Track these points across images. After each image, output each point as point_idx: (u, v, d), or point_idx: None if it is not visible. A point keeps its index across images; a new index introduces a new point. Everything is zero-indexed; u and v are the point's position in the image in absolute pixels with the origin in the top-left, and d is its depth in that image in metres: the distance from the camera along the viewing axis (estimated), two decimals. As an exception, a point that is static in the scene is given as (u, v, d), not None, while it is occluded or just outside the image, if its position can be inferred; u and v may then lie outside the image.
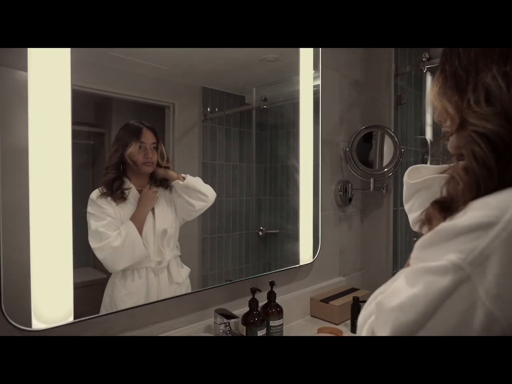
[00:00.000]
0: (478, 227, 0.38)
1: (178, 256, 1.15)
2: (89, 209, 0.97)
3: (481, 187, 0.42)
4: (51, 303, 0.84)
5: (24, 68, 0.79)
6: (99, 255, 0.97)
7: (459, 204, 0.44)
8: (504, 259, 0.36)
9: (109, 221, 1.00)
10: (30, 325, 0.81)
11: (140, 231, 1.04)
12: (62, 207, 0.85)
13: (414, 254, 0.45)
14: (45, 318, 0.83)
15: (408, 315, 0.39)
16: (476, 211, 0.39)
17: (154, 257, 1.08)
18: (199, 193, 1.16)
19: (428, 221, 0.49)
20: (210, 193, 1.19)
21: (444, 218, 0.44)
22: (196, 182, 1.16)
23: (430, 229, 0.46)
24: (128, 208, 1.04)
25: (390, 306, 0.42)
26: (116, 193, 1.02)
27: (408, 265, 0.47)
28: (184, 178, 1.14)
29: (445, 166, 0.54)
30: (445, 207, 0.46)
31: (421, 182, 0.58)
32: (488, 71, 0.45)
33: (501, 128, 0.42)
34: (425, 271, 0.40)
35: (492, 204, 0.39)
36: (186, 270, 1.17)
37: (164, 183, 1.13)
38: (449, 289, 0.37)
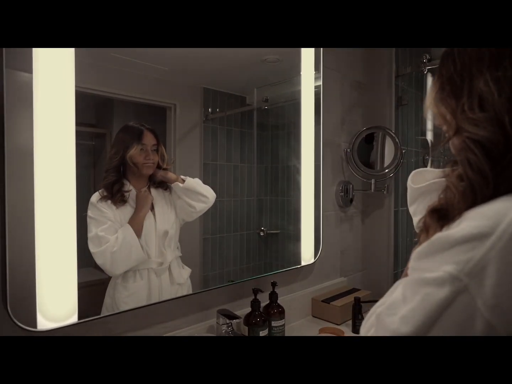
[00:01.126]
0: (473, 237, 0.38)
1: (179, 257, 1.16)
2: (89, 213, 0.97)
3: (477, 195, 0.42)
4: (56, 303, 0.84)
5: (29, 70, 0.80)
6: (98, 260, 0.97)
7: (455, 213, 0.44)
8: (501, 269, 0.36)
9: (109, 225, 0.99)
10: (35, 325, 0.81)
11: (139, 233, 1.04)
12: (66, 207, 0.86)
13: (411, 264, 0.45)
14: (50, 318, 0.83)
15: (407, 328, 0.40)
16: (471, 221, 0.39)
17: (156, 258, 1.08)
18: (199, 195, 1.16)
19: (426, 229, 0.49)
20: (210, 194, 1.19)
21: (441, 227, 0.45)
22: (196, 184, 1.16)
23: (427, 237, 0.46)
24: (127, 211, 1.04)
25: (389, 319, 0.42)
26: (116, 196, 1.01)
27: (406, 274, 0.47)
28: (183, 180, 1.14)
29: (448, 170, 0.54)
30: (442, 216, 0.46)
31: (425, 187, 0.58)
32: (481, 76, 0.45)
33: (494, 134, 0.42)
34: (422, 282, 0.41)
35: (487, 214, 0.39)
36: (187, 271, 1.17)
37: (163, 185, 1.13)
38: (447, 300, 0.38)
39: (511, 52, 0.44)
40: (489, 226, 0.37)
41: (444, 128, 0.51)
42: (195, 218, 1.20)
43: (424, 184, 0.58)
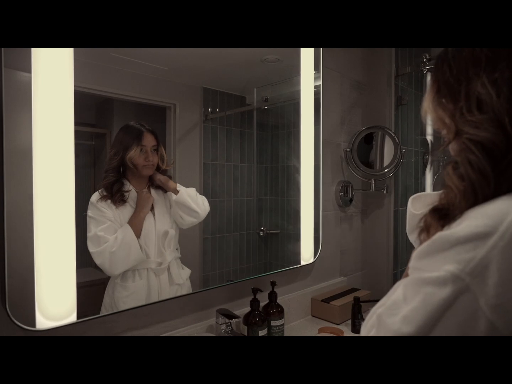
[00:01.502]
0: (475, 237, 0.38)
1: (178, 257, 1.15)
2: (89, 212, 0.97)
3: (478, 194, 0.43)
4: (55, 302, 0.84)
5: (28, 70, 0.80)
6: (97, 259, 0.97)
7: (456, 213, 0.44)
8: (503, 268, 0.36)
9: (109, 224, 0.99)
10: (34, 324, 0.81)
11: (138, 233, 1.04)
12: (65, 207, 0.85)
13: (412, 263, 0.45)
14: (49, 317, 0.83)
15: (409, 328, 0.39)
16: (472, 220, 0.39)
17: (155, 258, 1.08)
18: (190, 210, 1.15)
19: (426, 229, 0.49)
20: (201, 210, 1.18)
21: (442, 226, 0.44)
22: (188, 197, 1.14)
23: (427, 237, 0.46)
24: (127, 211, 1.04)
25: (391, 320, 0.42)
26: (116, 196, 1.01)
27: (407, 274, 0.47)
28: (178, 191, 1.13)
29: (449, 169, 0.53)
30: (443, 215, 0.46)
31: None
32: (478, 79, 0.45)
33: (495, 135, 0.42)
34: (424, 282, 0.40)
35: (488, 214, 0.39)
36: (186, 272, 1.17)
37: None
38: (449, 300, 0.37)
39: (507, 54, 0.44)
40: (491, 226, 0.37)
41: (444, 132, 0.51)
42: (186, 228, 1.18)
43: (425, 210, 0.58)
